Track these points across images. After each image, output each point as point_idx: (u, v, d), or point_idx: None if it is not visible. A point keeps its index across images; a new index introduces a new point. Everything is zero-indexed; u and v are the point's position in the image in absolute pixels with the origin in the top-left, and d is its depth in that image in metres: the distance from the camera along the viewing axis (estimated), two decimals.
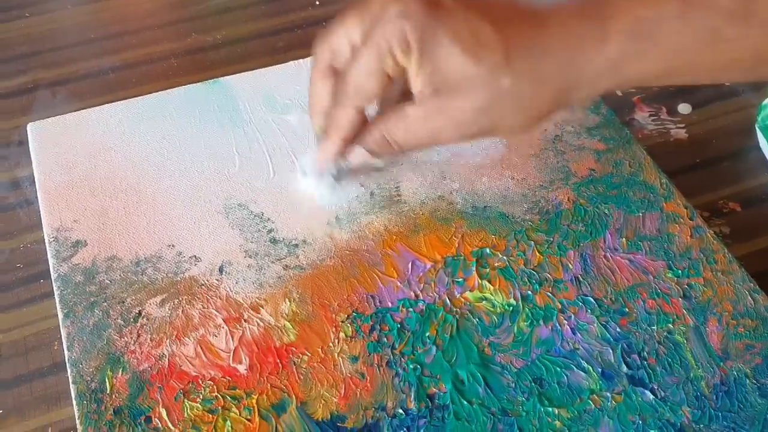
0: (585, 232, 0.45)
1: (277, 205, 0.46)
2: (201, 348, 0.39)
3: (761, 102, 0.54)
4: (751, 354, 0.40)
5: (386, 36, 0.33)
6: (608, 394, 0.39)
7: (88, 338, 0.40)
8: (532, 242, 0.45)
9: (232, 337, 0.40)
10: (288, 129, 0.50)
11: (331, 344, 0.40)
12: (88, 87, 0.57)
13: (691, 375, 0.39)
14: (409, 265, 0.43)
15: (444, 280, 0.43)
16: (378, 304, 0.42)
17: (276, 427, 0.37)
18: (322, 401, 0.38)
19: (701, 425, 0.38)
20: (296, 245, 0.44)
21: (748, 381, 0.39)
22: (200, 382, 0.38)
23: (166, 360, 0.39)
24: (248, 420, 0.37)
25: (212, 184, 0.47)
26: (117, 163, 0.48)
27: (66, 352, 0.39)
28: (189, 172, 0.47)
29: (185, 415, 0.37)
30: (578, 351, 0.40)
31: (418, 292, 0.42)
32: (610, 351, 0.40)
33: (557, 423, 0.38)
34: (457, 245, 0.44)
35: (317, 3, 0.65)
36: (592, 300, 0.42)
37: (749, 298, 0.43)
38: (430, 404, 0.38)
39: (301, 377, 0.39)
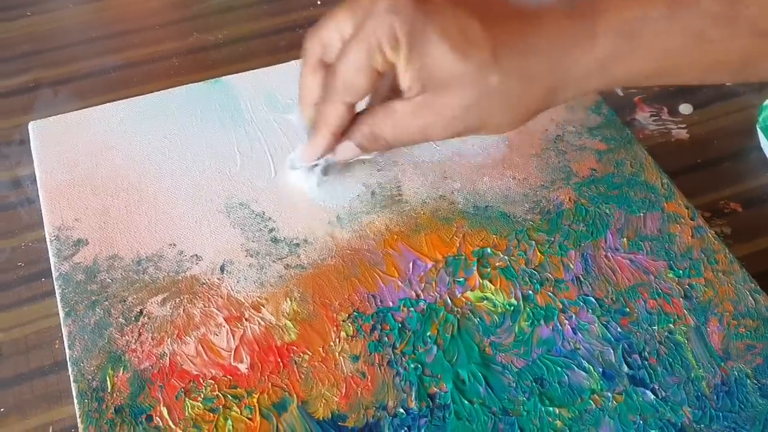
0: (586, 232, 0.45)
1: (279, 205, 0.46)
2: (202, 347, 0.39)
3: (762, 102, 0.54)
4: (752, 354, 0.40)
5: (375, 31, 0.33)
6: (609, 394, 0.39)
7: (90, 337, 0.40)
8: (534, 242, 0.45)
9: (233, 336, 0.40)
10: (289, 128, 0.50)
11: (332, 343, 0.40)
12: (89, 86, 0.57)
13: (692, 375, 0.39)
14: (411, 264, 0.43)
15: (445, 280, 0.43)
16: (379, 303, 0.42)
17: (277, 426, 0.37)
18: (323, 400, 0.38)
19: (702, 425, 0.38)
20: (297, 244, 0.44)
21: (749, 381, 0.39)
22: (201, 381, 0.38)
23: (167, 359, 0.39)
24: (249, 419, 0.37)
25: (214, 184, 0.47)
26: (118, 162, 0.48)
27: (67, 350, 0.39)
28: (190, 171, 0.47)
29: (186, 413, 0.37)
30: (579, 351, 0.40)
31: (419, 291, 0.42)
32: (611, 351, 0.40)
33: (558, 423, 0.38)
34: (458, 245, 0.44)
35: (319, 2, 0.65)
36: (593, 300, 0.42)
37: (750, 298, 0.43)
38: (431, 404, 0.38)
39: (302, 376, 0.39)
